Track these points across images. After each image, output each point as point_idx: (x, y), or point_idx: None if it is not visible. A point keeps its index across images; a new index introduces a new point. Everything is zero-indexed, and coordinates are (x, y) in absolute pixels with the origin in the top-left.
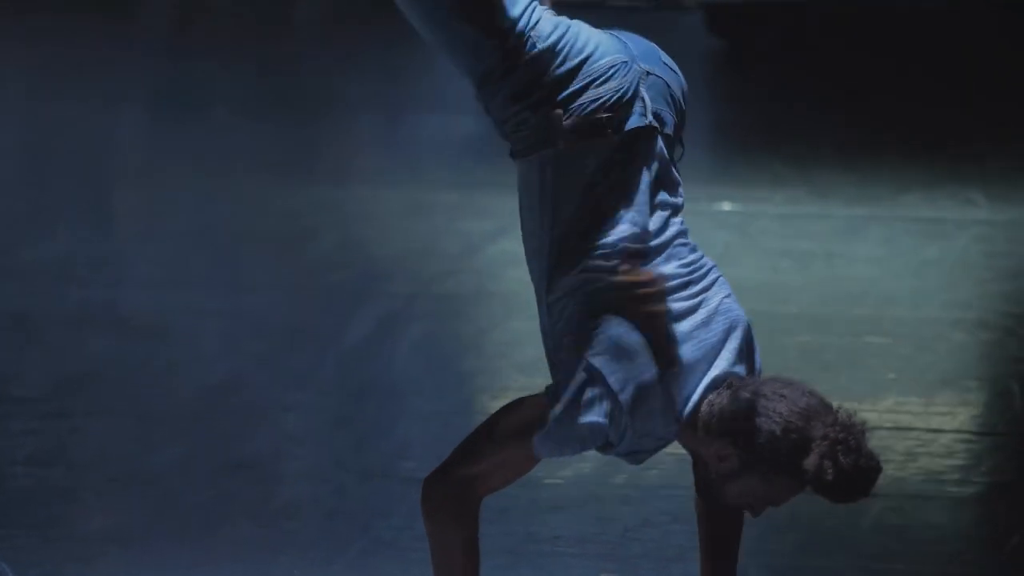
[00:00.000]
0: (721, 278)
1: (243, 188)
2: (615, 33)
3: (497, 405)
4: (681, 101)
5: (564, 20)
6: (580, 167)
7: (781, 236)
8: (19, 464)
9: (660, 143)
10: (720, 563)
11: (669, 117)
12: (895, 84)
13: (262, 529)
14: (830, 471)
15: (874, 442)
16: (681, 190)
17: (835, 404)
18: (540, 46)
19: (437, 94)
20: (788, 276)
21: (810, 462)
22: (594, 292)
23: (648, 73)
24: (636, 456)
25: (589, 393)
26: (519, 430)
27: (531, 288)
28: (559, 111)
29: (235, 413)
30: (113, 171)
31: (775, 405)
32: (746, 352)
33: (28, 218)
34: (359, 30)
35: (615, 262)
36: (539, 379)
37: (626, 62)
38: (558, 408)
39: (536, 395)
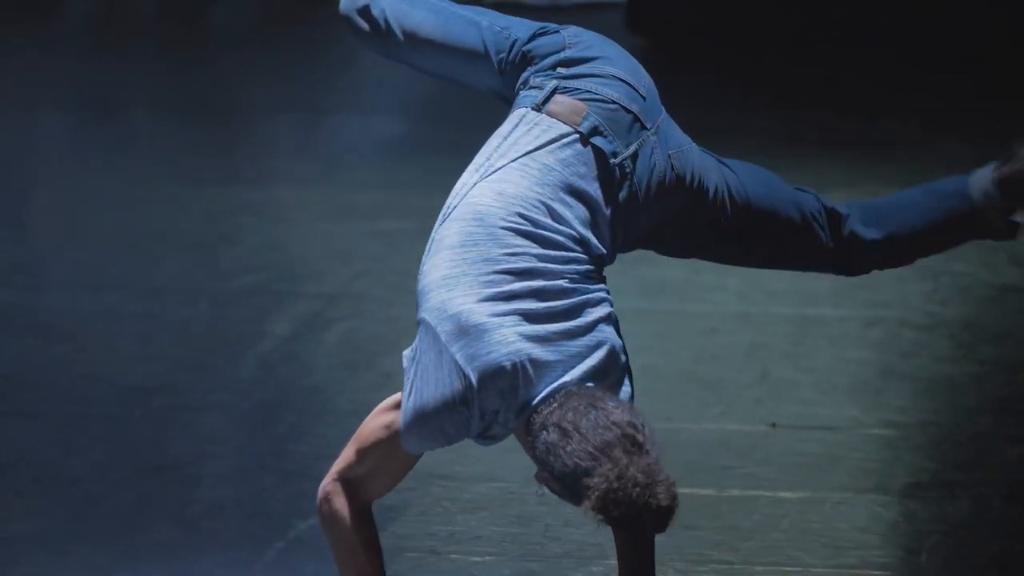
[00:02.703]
0: (608, 302)
1: (162, 191)
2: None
3: None
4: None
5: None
6: (535, 136)
7: None
8: None
9: (615, 190)
10: (638, 562)
11: (640, 183)
12: (816, 85)
13: (183, 530)
14: (601, 518)
15: (795, 441)
16: (608, 244)
17: (633, 432)
18: (557, 34)
19: (356, 95)
20: (708, 276)
21: (585, 507)
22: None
23: (653, 140)
24: (484, 439)
25: (434, 369)
26: (387, 426)
27: None
28: (554, 84)
29: (155, 415)
30: (30, 174)
31: (567, 443)
32: (605, 373)
33: None
34: (278, 33)
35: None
36: None
37: (632, 89)
38: (407, 376)
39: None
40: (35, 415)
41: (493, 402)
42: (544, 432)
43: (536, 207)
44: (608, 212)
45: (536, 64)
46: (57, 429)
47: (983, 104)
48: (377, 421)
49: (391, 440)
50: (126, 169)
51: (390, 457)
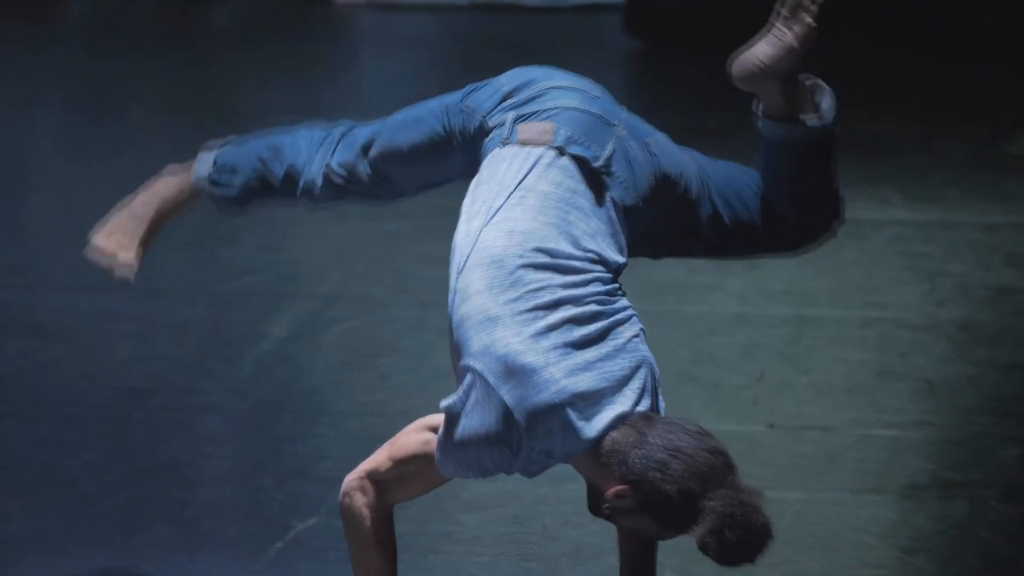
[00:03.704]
0: (635, 317)
1: None
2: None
3: (413, 406)
4: (655, 186)
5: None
6: (520, 167)
7: None
8: None
9: (607, 191)
10: (638, 564)
11: (628, 179)
12: None
13: (181, 531)
14: (714, 544)
15: (793, 442)
16: (621, 250)
17: (728, 457)
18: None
19: (354, 97)
20: (705, 277)
21: (698, 532)
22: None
23: (620, 133)
24: (530, 470)
25: (483, 408)
26: (426, 442)
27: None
28: (512, 115)
29: (153, 416)
30: (28, 175)
31: (674, 465)
32: (649, 391)
33: None
34: (273, 35)
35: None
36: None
37: (596, 98)
38: (450, 420)
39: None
40: (33, 416)
41: (543, 441)
42: (633, 459)
43: (549, 237)
44: (612, 214)
45: (485, 113)
46: (55, 430)
47: (979, 105)
48: (418, 436)
49: (427, 457)
50: (124, 170)
51: (422, 472)
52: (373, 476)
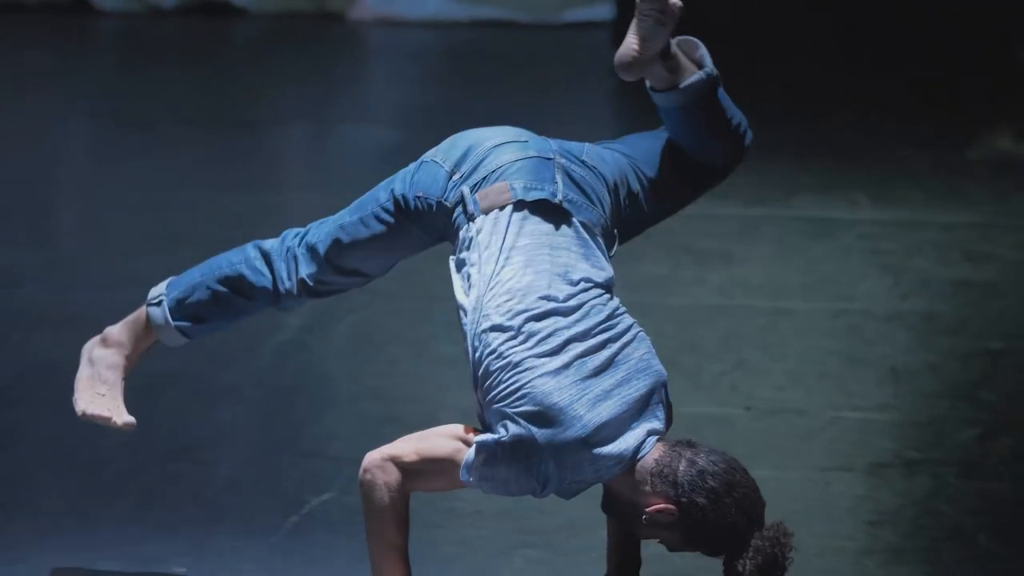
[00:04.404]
0: (641, 333)
1: (186, 194)
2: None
3: (419, 390)
4: (615, 194)
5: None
6: (494, 231)
7: (682, 234)
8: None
9: (573, 218)
10: (631, 546)
11: (582, 201)
12: (788, 94)
13: (203, 506)
14: (754, 572)
15: (769, 424)
16: (607, 267)
17: (758, 493)
18: (439, 158)
19: (361, 106)
20: (687, 272)
21: (742, 566)
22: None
23: (560, 162)
24: (564, 495)
25: (515, 447)
26: (455, 452)
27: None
28: (467, 188)
29: (178, 401)
30: (62, 179)
31: (726, 499)
32: (666, 405)
33: None
34: (293, 47)
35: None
36: (460, 370)
37: (524, 143)
38: (483, 452)
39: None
40: (68, 402)
41: (573, 473)
42: (683, 483)
43: (543, 285)
44: (586, 236)
45: (439, 196)
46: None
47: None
48: (449, 444)
49: (454, 465)
50: (149, 174)
51: (445, 475)
52: (397, 461)
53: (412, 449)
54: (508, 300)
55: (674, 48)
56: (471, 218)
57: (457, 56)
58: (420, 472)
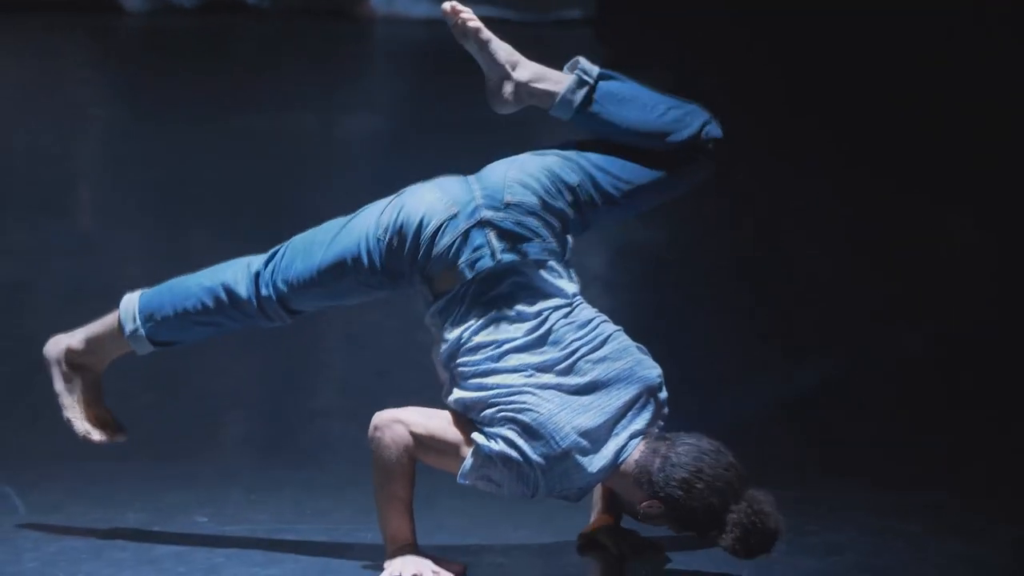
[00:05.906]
0: (621, 339)
1: (196, 178)
2: (460, 179)
3: (409, 359)
4: (549, 209)
5: (398, 202)
6: (459, 316)
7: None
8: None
9: (525, 260)
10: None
11: (519, 246)
12: (767, 88)
13: (217, 464)
14: (742, 551)
15: None
16: (565, 284)
17: (740, 469)
18: (386, 237)
19: (365, 98)
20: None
21: (724, 540)
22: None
23: (486, 218)
24: (567, 498)
25: (505, 461)
26: (459, 445)
27: None
28: (417, 276)
29: (201, 368)
30: (88, 171)
31: (697, 485)
32: (654, 406)
33: (28, 212)
34: (297, 46)
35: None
36: None
37: (454, 217)
38: (479, 458)
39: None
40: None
41: (560, 481)
42: (658, 480)
43: (507, 339)
44: (542, 272)
45: (396, 274)
46: (118, 379)
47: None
48: (456, 434)
49: (457, 457)
50: (167, 160)
51: (443, 459)
52: (409, 428)
53: (422, 423)
54: (481, 361)
55: (536, 71)
56: (428, 303)
57: (453, 49)
58: (423, 445)
